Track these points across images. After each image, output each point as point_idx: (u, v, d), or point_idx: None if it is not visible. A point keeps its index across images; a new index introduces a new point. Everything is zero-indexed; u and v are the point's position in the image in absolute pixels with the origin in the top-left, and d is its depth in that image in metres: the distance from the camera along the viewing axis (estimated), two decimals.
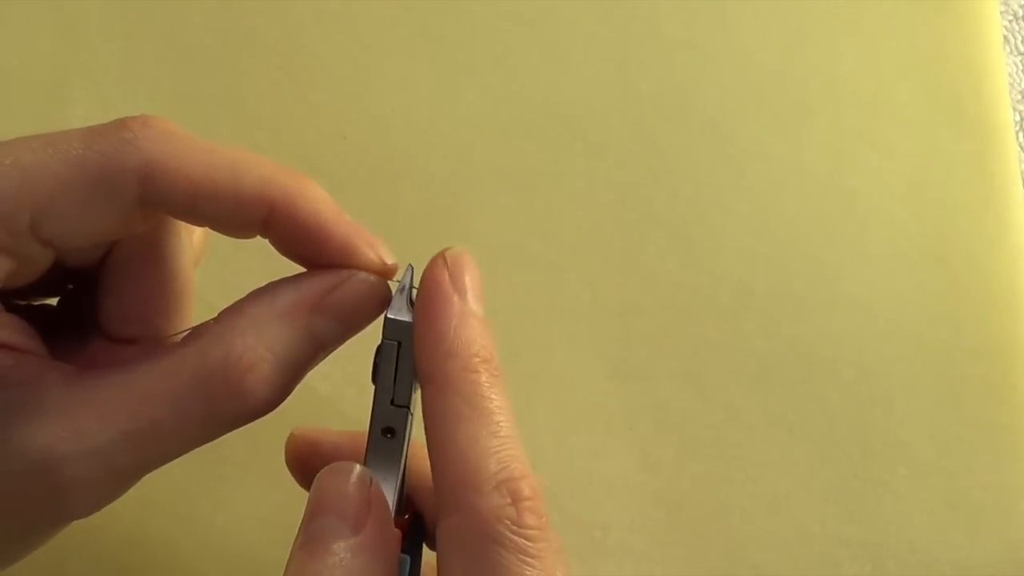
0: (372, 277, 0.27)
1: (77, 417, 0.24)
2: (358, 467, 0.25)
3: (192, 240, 0.29)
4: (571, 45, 0.40)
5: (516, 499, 0.24)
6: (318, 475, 0.26)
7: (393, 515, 0.27)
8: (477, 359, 0.25)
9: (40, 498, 0.24)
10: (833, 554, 0.37)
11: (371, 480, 0.25)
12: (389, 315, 0.26)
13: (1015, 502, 0.38)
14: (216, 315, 0.26)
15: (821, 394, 0.38)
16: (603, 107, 0.40)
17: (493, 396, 0.25)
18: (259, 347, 0.25)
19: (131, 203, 0.25)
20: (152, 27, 0.39)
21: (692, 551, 0.37)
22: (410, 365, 0.26)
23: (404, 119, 0.39)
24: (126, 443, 0.24)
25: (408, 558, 0.27)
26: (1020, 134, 0.43)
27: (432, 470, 0.25)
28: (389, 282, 0.27)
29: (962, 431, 0.38)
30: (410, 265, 0.27)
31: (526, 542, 0.24)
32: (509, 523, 0.24)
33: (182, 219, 0.27)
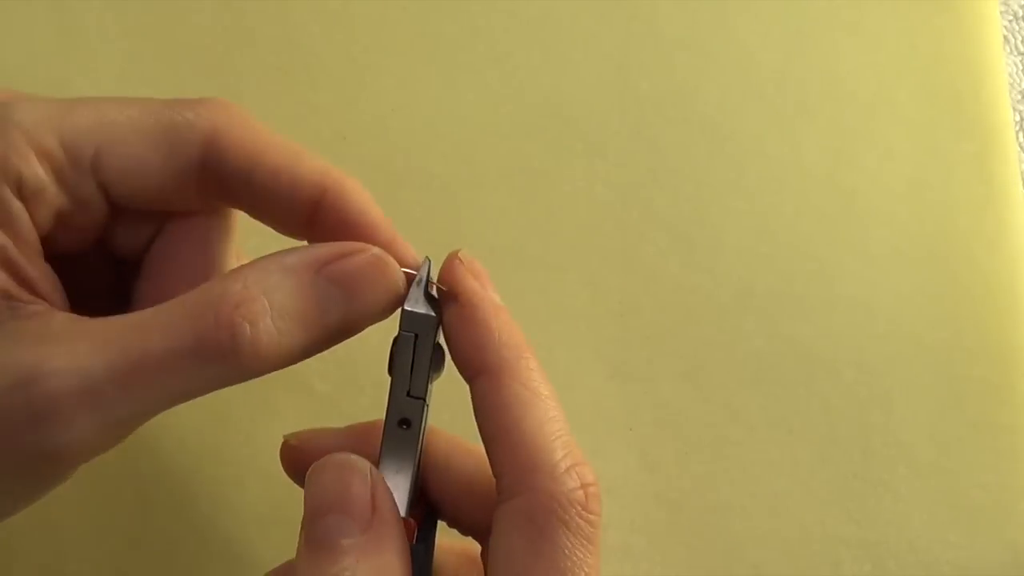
0: (386, 256, 0.27)
1: (71, 341, 0.24)
2: (355, 458, 0.25)
3: (236, 240, 0.30)
4: (571, 45, 0.40)
5: (584, 484, 0.25)
6: (311, 471, 0.25)
7: (408, 506, 0.27)
8: (524, 347, 0.26)
9: (21, 418, 0.23)
10: (833, 554, 0.37)
11: (371, 470, 0.25)
12: (407, 307, 0.27)
13: (1015, 502, 0.38)
14: None
15: (821, 394, 0.38)
16: (603, 107, 0.40)
17: (545, 382, 0.26)
18: (254, 289, 0.25)
19: (193, 162, 0.26)
20: (152, 27, 0.39)
21: (692, 551, 0.37)
22: (427, 357, 0.27)
23: (404, 119, 0.39)
24: (113, 369, 0.24)
25: (423, 548, 0.27)
26: (1020, 134, 0.43)
27: (491, 455, 0.26)
28: (404, 271, 0.27)
29: (962, 431, 0.38)
30: (427, 258, 0.28)
31: (590, 528, 0.24)
32: (580, 507, 0.24)
33: (236, 198, 0.28)
